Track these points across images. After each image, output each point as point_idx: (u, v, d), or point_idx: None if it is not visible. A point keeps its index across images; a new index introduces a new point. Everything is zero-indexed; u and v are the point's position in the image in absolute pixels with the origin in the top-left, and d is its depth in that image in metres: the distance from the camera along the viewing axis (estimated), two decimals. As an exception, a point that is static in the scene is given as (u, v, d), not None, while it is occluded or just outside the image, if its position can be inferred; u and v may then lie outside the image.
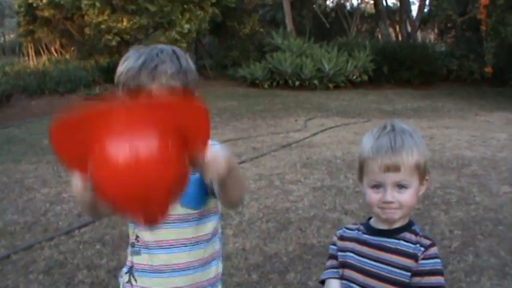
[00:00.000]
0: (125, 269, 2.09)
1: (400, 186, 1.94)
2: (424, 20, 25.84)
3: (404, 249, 1.99)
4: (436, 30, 28.72)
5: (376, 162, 1.94)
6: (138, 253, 2.03)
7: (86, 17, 16.05)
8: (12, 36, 27.47)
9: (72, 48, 20.56)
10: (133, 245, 2.05)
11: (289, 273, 4.00)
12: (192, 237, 1.99)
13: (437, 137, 9.20)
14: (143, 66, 1.88)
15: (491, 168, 7.01)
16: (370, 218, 2.11)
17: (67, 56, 19.91)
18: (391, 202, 1.94)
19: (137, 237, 2.02)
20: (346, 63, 17.42)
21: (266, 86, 17.02)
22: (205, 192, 1.98)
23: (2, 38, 32.93)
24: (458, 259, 4.26)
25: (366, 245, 2.05)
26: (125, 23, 15.68)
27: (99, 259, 4.32)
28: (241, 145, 8.49)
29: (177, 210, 1.94)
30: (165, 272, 1.99)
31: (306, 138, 9.25)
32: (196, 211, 1.98)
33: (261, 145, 8.58)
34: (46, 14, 17.48)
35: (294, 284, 3.83)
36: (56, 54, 20.51)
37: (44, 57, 19.75)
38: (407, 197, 1.95)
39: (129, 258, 2.07)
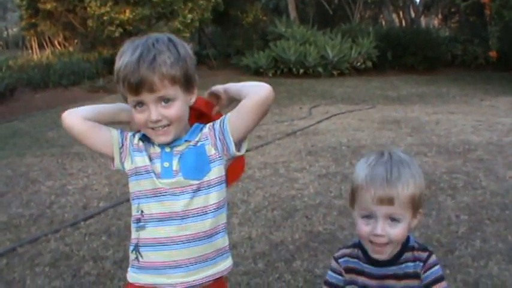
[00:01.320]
0: (130, 247, 2.10)
1: (392, 219, 1.88)
2: (428, 5, 25.71)
3: (407, 271, 1.97)
4: (439, 16, 28.57)
5: (370, 193, 1.86)
6: (143, 228, 2.04)
7: (88, 9, 16.00)
8: (15, 30, 27.49)
9: (75, 41, 20.53)
10: (138, 221, 2.05)
11: (296, 261, 3.98)
12: (196, 208, 1.98)
13: (442, 123, 9.17)
14: (141, 59, 1.87)
15: (497, 152, 6.97)
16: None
17: (70, 49, 19.90)
18: (382, 236, 1.88)
19: (142, 212, 2.02)
20: (350, 50, 17.38)
21: (270, 74, 16.99)
22: (206, 163, 1.99)
23: (5, 32, 32.98)
24: (465, 244, 4.24)
25: (371, 277, 2.00)
26: (127, 14, 15.65)
27: (105, 251, 4.31)
28: (245, 134, 8.46)
29: (180, 182, 1.97)
30: (169, 245, 1.99)
31: (311, 125, 9.23)
32: (198, 181, 1.97)
33: (266, 133, 8.56)
34: (48, 6, 17.43)
35: (301, 271, 3.82)
36: (59, 47, 20.52)
37: (47, 50, 19.77)
38: (398, 231, 1.89)
39: (134, 236, 2.07)
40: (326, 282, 2.10)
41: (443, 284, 2.00)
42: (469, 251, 4.12)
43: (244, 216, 4.93)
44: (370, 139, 7.91)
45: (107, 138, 2.08)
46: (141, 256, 2.04)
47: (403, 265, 1.96)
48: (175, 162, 1.99)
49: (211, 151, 2.00)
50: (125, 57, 1.90)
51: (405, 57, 18.26)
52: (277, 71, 17.19)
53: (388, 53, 18.10)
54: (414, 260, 1.97)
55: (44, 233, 4.71)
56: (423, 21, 27.66)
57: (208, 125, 2.04)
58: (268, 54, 17.27)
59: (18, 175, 6.56)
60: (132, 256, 2.09)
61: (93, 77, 14.96)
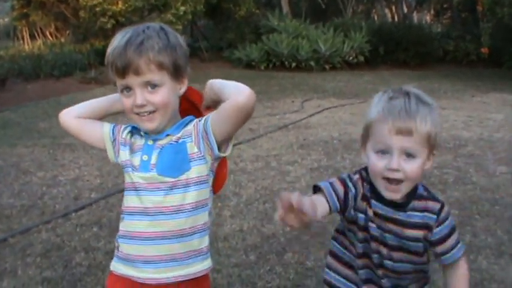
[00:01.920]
0: (116, 238, 2.15)
1: (408, 154, 1.81)
2: (420, 0, 25.74)
3: (414, 221, 1.93)
4: (432, 11, 28.61)
5: (387, 123, 1.80)
6: (122, 219, 2.08)
7: (80, 0, 15.92)
8: (6, 20, 27.28)
9: (67, 32, 20.40)
10: (122, 212, 2.09)
11: (287, 254, 4.00)
12: (171, 206, 1.97)
13: (434, 118, 9.18)
14: (128, 43, 1.89)
15: (487, 148, 7.01)
16: (366, 169, 1.98)
17: (62, 40, 19.75)
18: (397, 170, 1.80)
19: (124, 203, 2.07)
20: (342, 44, 17.38)
21: (262, 67, 16.98)
22: (185, 161, 1.97)
23: (-4, 22, 32.76)
24: (455, 238, 4.26)
25: (379, 217, 1.95)
26: (120, 6, 15.56)
27: (96, 242, 4.31)
28: (237, 127, 8.45)
29: (154, 177, 1.97)
30: (139, 239, 2.01)
31: (303, 119, 9.24)
32: (173, 179, 1.96)
33: (258, 126, 8.56)
34: (40, -4, 17.36)
35: (292, 264, 3.84)
36: (50, 38, 20.37)
37: (39, 41, 19.63)
38: (414, 167, 1.82)
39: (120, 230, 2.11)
40: (339, 178, 2.01)
41: (456, 235, 2.01)
42: (459, 245, 4.15)
43: (236, 209, 4.95)
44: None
45: (99, 134, 2.14)
46: (119, 246, 2.09)
47: (411, 213, 1.92)
48: (154, 155, 1.99)
49: (193, 149, 1.98)
50: (115, 42, 1.94)
51: (397, 52, 18.28)
52: (269, 64, 17.17)
53: (380, 48, 18.12)
54: (424, 209, 1.93)
55: (35, 223, 4.70)
56: (415, 16, 27.71)
57: (193, 123, 2.02)
58: (261, 47, 17.25)
59: (10, 165, 6.54)
60: (115, 244, 2.13)
61: (85, 68, 14.88)
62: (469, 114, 9.62)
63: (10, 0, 20.93)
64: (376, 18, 26.61)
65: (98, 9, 15.57)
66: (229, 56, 17.91)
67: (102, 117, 2.19)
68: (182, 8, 15.93)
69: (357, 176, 1.99)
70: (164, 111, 1.96)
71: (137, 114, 1.96)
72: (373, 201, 1.94)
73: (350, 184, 1.96)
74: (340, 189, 1.95)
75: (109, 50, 1.94)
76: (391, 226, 1.94)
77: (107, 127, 2.14)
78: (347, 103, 11.11)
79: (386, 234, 1.95)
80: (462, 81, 15.05)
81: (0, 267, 3.93)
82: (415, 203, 1.92)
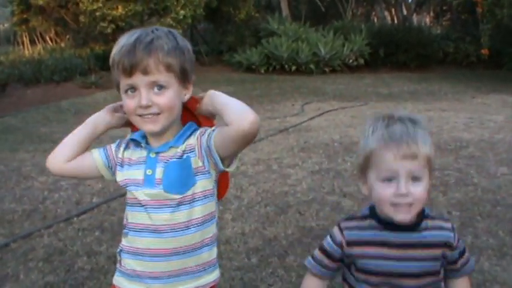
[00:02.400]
0: (118, 250, 2.11)
1: (414, 178, 1.80)
2: (420, 2, 25.76)
3: (431, 240, 1.91)
4: (431, 13, 28.62)
5: (391, 150, 1.79)
6: (126, 235, 2.03)
7: (80, 5, 15.91)
8: (6, 25, 27.31)
9: (67, 37, 20.40)
10: (124, 227, 2.04)
11: (289, 256, 4.00)
12: (180, 223, 1.94)
13: (434, 120, 9.20)
14: (138, 41, 1.84)
15: (488, 149, 7.01)
16: (373, 207, 1.95)
17: (62, 45, 19.76)
18: (406, 195, 1.79)
19: (128, 219, 2.03)
20: (342, 47, 17.39)
21: (262, 71, 16.99)
22: (191, 176, 1.93)
23: (-4, 27, 32.79)
24: (457, 240, 4.27)
25: (389, 246, 1.90)
26: (119, 10, 15.57)
27: (99, 246, 4.32)
28: (238, 130, 8.45)
29: (161, 194, 1.92)
30: (148, 256, 1.96)
31: (303, 122, 9.24)
32: (180, 196, 1.92)
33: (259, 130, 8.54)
34: (40, 2, 17.29)
35: (294, 267, 3.84)
36: (51, 43, 20.38)
37: (39, 46, 19.65)
38: (421, 190, 1.81)
39: (122, 239, 2.08)
40: (321, 248, 2.00)
41: (468, 253, 2.03)
42: (460, 246, 4.15)
43: (237, 212, 4.95)
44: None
45: (93, 167, 2.08)
46: (123, 261, 2.04)
47: (426, 233, 1.90)
48: (158, 170, 1.93)
49: (197, 163, 1.93)
50: (122, 41, 1.89)
51: (397, 54, 18.29)
52: (269, 67, 17.18)
53: (380, 50, 18.12)
54: (440, 228, 1.93)
55: (37, 228, 4.70)
56: (415, 18, 27.72)
57: (196, 135, 1.96)
58: (261, 51, 17.26)
59: (11, 170, 6.55)
60: (117, 257, 2.10)
61: (85, 73, 14.89)
62: (469, 115, 9.61)
63: (10, 6, 20.93)
64: (375, 20, 26.63)
65: (97, 14, 15.58)
66: (229, 59, 17.92)
67: (88, 146, 2.09)
68: (182, 12, 15.95)
69: (341, 228, 1.97)
70: (169, 114, 1.90)
71: (140, 116, 1.89)
72: (381, 232, 1.91)
73: (332, 244, 1.97)
74: (327, 261, 2.00)
75: (115, 49, 1.89)
76: (410, 252, 1.90)
77: (96, 154, 2.07)
78: (347, 106, 11.11)
79: (409, 263, 1.91)
80: (462, 83, 15.05)
81: (2, 272, 3.93)
82: (428, 222, 1.92)
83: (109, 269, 3.85)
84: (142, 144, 1.99)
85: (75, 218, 4.93)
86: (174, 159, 1.93)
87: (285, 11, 20.20)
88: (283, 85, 14.55)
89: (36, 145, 7.86)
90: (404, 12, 24.57)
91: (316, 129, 8.57)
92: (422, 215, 1.90)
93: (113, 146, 2.08)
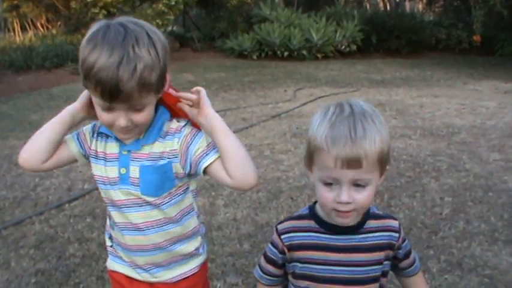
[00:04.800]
0: (107, 234, 2.11)
1: (358, 185, 1.64)
2: (412, -11, 25.72)
3: (375, 242, 1.79)
4: (424, 0, 28.59)
5: (331, 156, 1.60)
6: (113, 228, 2.04)
7: (71, -9, 15.85)
8: (-4, 11, 27.15)
9: (59, 23, 20.27)
10: (109, 218, 2.04)
11: (281, 243, 4.00)
12: (157, 220, 1.93)
13: (426, 106, 9.21)
14: (121, 67, 1.64)
15: (480, 135, 7.03)
16: (315, 203, 1.85)
17: (53, 31, 19.64)
18: (347, 203, 1.64)
19: (110, 214, 2.01)
20: (334, 33, 17.35)
21: (254, 57, 16.95)
22: (170, 179, 1.89)
23: (-13, 14, 32.52)
24: (449, 225, 4.29)
25: (331, 250, 1.78)
26: (111, -4, 15.50)
27: (90, 232, 4.31)
28: (230, 116, 8.45)
29: (138, 196, 1.90)
30: (134, 251, 1.99)
31: (296, 108, 9.22)
32: (156, 198, 1.89)
33: (251, 116, 8.55)
34: (30, -12, 17.25)
35: (286, 253, 3.84)
36: (42, 29, 20.27)
37: (30, 33, 19.54)
38: (365, 197, 1.65)
39: (109, 228, 2.08)
40: (265, 256, 1.92)
41: (413, 253, 1.95)
42: (452, 232, 4.17)
43: (229, 198, 4.94)
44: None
45: (70, 157, 1.97)
46: (115, 249, 2.08)
47: (370, 235, 1.78)
48: (132, 168, 1.88)
49: (178, 169, 1.88)
50: (99, 56, 1.66)
51: (390, 40, 18.27)
52: (261, 53, 17.14)
53: (373, 36, 18.10)
54: (385, 229, 1.81)
55: (28, 215, 4.69)
56: (407, 5, 27.68)
57: (182, 139, 1.88)
58: (253, 37, 17.21)
59: (2, 157, 6.51)
60: (108, 243, 2.10)
61: (76, 60, 14.38)
62: (461, 101, 9.63)
63: (0, -8, 20.81)
64: (368, 7, 26.56)
65: (88, 0, 15.49)
66: (222, 45, 17.86)
67: (61, 140, 1.94)
68: (174, -2, 15.87)
69: (279, 233, 1.86)
70: (145, 125, 1.84)
71: (118, 130, 1.82)
72: (321, 235, 1.79)
73: (273, 251, 1.89)
74: (273, 269, 1.92)
75: (91, 61, 1.67)
76: (353, 257, 1.79)
77: (73, 146, 1.96)
78: (340, 92, 11.09)
79: (352, 268, 1.79)
80: (455, 69, 15.06)
81: (-7, 259, 3.92)
82: (372, 223, 1.79)
83: (100, 256, 3.85)
84: (112, 138, 1.90)
85: (66, 205, 4.92)
86: (150, 162, 1.87)
87: (277, -4, 20.14)
88: (276, 71, 14.51)
89: (27, 132, 7.75)
90: (397, -2, 24.53)
91: (309, 115, 8.54)
92: (366, 215, 1.79)
93: (87, 131, 1.98)
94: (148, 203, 1.90)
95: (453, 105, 9.29)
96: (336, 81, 12.84)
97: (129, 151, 1.88)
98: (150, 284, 2.05)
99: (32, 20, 20.25)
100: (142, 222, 1.92)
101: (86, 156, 1.98)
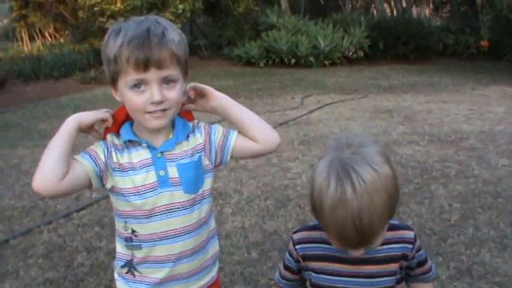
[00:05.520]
0: (120, 263, 1.99)
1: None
2: (419, -6, 25.68)
3: (389, 254, 1.79)
4: (431, 5, 28.54)
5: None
6: (138, 247, 1.91)
7: (78, 0, 15.91)
8: (5, 21, 27.29)
9: (66, 32, 20.39)
10: (130, 240, 1.92)
11: (289, 251, 3.99)
12: (195, 222, 1.92)
13: (434, 112, 9.19)
14: (151, 32, 1.71)
15: (489, 141, 7.00)
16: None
17: (61, 40, 19.76)
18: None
19: (133, 231, 1.90)
20: (341, 40, 17.34)
21: (262, 64, 16.96)
22: (202, 175, 1.92)
23: (-5, 24, 32.73)
24: (458, 232, 4.26)
25: (344, 262, 1.80)
26: (118, 5, 15.56)
27: (98, 241, 4.31)
28: (238, 124, 8.43)
29: (180, 197, 1.87)
30: (170, 262, 1.92)
31: (303, 115, 9.22)
32: (194, 195, 1.90)
33: (258, 124, 8.53)
34: (38, -3, 17.35)
35: (294, 261, 3.83)
36: (49, 39, 20.37)
37: (38, 42, 19.65)
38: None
39: (125, 252, 1.96)
40: (284, 264, 1.98)
41: (429, 263, 1.94)
42: (461, 238, 4.15)
43: (237, 206, 4.94)
44: (362, 128, 7.92)
45: (85, 178, 1.81)
46: (139, 272, 1.96)
47: (384, 246, 1.77)
48: (171, 169, 1.86)
49: (205, 162, 1.93)
50: (127, 32, 1.72)
51: (397, 46, 18.23)
52: (268, 61, 17.14)
53: (380, 42, 18.07)
54: (399, 241, 1.80)
55: (36, 224, 4.71)
56: (414, 10, 27.65)
57: (202, 132, 1.95)
58: (260, 44, 17.23)
59: (10, 167, 6.53)
60: (122, 270, 1.99)
61: (84, 69, 14.89)
62: (469, 107, 9.59)
63: (8, 2, 20.92)
64: (375, 13, 26.55)
65: (96, 9, 15.58)
66: (229, 53, 17.89)
67: (69, 151, 1.79)
68: (181, 6, 15.93)
69: (294, 242, 1.91)
70: (176, 109, 1.83)
71: (149, 112, 1.77)
72: (334, 247, 1.77)
73: (290, 259, 1.94)
74: (290, 275, 1.99)
75: (118, 40, 1.72)
76: (364, 268, 1.79)
77: (87, 164, 1.82)
78: (347, 98, 11.08)
79: (363, 280, 1.81)
80: (462, 75, 15.01)
81: (2, 268, 3.93)
82: (386, 234, 1.75)
83: (109, 265, 3.84)
84: (144, 144, 1.86)
85: (74, 214, 4.93)
86: (187, 159, 1.89)
87: (284, 4, 20.13)
88: (283, 78, 14.51)
89: (35, 141, 7.84)
90: (404, 4, 24.50)
91: (316, 122, 8.55)
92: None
93: (99, 151, 1.86)
94: (187, 206, 1.89)
95: (461, 110, 9.26)
96: (344, 88, 12.82)
97: (162, 153, 1.87)
98: None
99: (40, 30, 20.37)
100: (181, 227, 1.89)
101: (100, 176, 1.84)
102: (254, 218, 4.66)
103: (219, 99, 1.96)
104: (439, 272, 3.63)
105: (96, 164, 1.83)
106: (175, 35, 1.77)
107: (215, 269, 2.10)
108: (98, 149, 1.87)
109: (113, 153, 1.86)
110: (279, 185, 5.49)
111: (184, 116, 1.96)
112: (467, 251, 3.95)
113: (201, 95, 1.97)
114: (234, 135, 1.95)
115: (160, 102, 1.76)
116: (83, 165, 1.81)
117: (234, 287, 3.53)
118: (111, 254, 3.93)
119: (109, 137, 1.90)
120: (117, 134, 1.91)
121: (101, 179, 1.85)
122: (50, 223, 4.73)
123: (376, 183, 1.58)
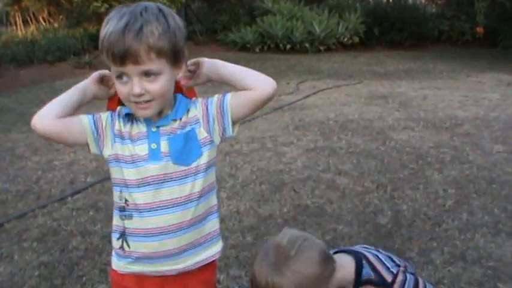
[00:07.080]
0: (116, 235, 2.03)
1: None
2: (415, -20, 25.62)
3: None
4: (426, -9, 28.50)
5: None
6: (129, 217, 1.96)
7: (72, -16, 15.82)
8: (-2, 5, 27.13)
9: (60, 17, 20.25)
10: (123, 209, 1.98)
11: (284, 235, 3.99)
12: (185, 196, 1.92)
13: (429, 98, 9.19)
14: (126, 28, 1.74)
15: (484, 127, 7.01)
16: None
17: (55, 25, 19.61)
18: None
19: (126, 200, 1.95)
20: (337, 26, 17.29)
21: (257, 50, 16.90)
22: (197, 147, 1.93)
23: (-11, 8, 32.50)
24: (452, 217, 4.28)
25: None
26: (113, -11, 15.47)
27: (93, 225, 4.31)
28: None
29: (169, 167, 1.90)
30: (157, 235, 1.93)
31: (298, 100, 9.20)
32: (186, 167, 1.91)
33: (253, 109, 8.52)
34: (32, -19, 17.23)
35: (289, 245, 3.83)
36: (44, 23, 20.24)
37: (32, 26, 19.50)
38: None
39: (118, 223, 2.01)
40: None
41: None
42: (456, 224, 4.17)
43: (232, 190, 4.94)
44: (357, 114, 7.91)
45: (80, 131, 1.95)
46: (128, 246, 1.99)
47: None
48: (163, 143, 1.90)
49: (202, 134, 1.93)
50: (110, 25, 1.77)
51: (392, 33, 18.20)
52: (264, 46, 17.08)
53: (375, 28, 18.03)
54: None
55: (31, 208, 4.69)
56: (410, -3, 27.60)
57: (198, 105, 1.97)
58: (255, 29, 17.15)
59: (4, 151, 6.51)
60: (116, 244, 2.03)
61: (78, 53, 14.80)
62: (464, 93, 9.60)
63: (2, -14, 20.78)
64: (370, -1, 26.50)
65: (90, -7, 15.46)
66: (224, 38, 17.82)
67: (76, 111, 1.98)
68: (176, -9, 15.84)
69: None
70: (162, 100, 1.86)
71: (134, 102, 1.84)
72: None
73: None
74: None
75: (103, 32, 1.78)
76: None
77: (86, 120, 1.96)
78: (342, 84, 11.07)
79: None
80: (457, 61, 15.01)
81: (-4, 252, 3.92)
82: None
83: (103, 249, 3.85)
84: (142, 119, 1.93)
85: (69, 198, 4.92)
86: (178, 132, 1.92)
87: (280, -11, 20.07)
88: (278, 64, 14.47)
89: (29, 126, 7.68)
90: (399, -10, 24.43)
91: (311, 108, 8.55)
92: (358, 279, 1.79)
93: (103, 116, 1.99)
94: (177, 178, 1.91)
95: (456, 97, 9.26)
96: (339, 74, 12.80)
97: (157, 127, 1.92)
98: (163, 279, 2.02)
99: (33, 14, 20.22)
100: (171, 199, 1.91)
101: (95, 134, 1.95)
102: (249, 202, 4.66)
103: (210, 62, 2.02)
104: (433, 257, 3.65)
105: (95, 124, 1.96)
106: (158, 27, 1.77)
107: (213, 250, 2.07)
108: (103, 115, 1.99)
109: (117, 121, 1.97)
110: (273, 170, 5.49)
111: (187, 94, 2.01)
112: (461, 236, 3.96)
113: (196, 67, 2.02)
114: (228, 95, 1.95)
115: (140, 95, 1.81)
116: (83, 123, 1.95)
117: (229, 271, 3.53)
118: (106, 237, 3.93)
119: (118, 108, 1.99)
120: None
121: (98, 144, 1.97)
122: (45, 207, 4.72)
123: None
